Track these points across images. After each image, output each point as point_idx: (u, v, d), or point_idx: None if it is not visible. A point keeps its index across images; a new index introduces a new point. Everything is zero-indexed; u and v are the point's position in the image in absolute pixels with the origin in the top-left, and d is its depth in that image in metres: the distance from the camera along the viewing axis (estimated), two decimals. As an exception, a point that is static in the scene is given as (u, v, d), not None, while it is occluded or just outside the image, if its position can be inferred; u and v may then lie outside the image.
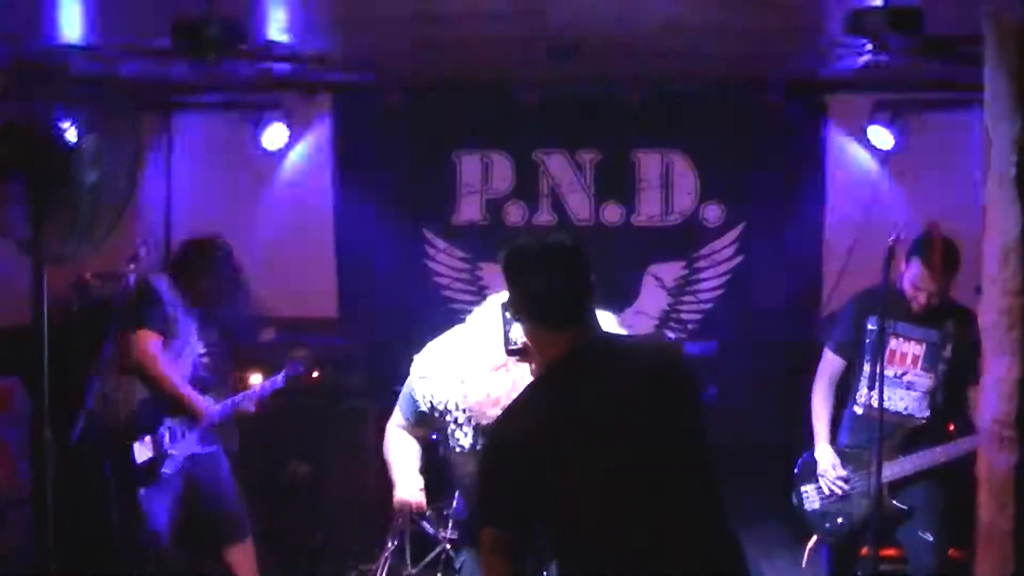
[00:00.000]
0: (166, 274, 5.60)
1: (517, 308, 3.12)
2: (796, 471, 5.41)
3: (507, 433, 2.97)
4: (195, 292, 5.58)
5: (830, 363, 5.41)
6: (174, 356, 5.45)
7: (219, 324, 5.73)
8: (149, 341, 5.36)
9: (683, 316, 7.56)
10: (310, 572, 6.32)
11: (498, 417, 3.14)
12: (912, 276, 5.05)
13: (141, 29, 5.31)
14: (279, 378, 5.78)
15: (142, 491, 5.35)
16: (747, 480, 6.12)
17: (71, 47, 5.43)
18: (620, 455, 2.83)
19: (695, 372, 3.10)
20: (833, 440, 5.33)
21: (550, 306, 3.03)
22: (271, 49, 5.91)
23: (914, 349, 5.17)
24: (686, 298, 7.55)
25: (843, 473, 5.21)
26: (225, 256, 5.74)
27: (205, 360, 5.61)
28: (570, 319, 3.03)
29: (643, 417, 2.90)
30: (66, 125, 3.59)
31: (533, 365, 3.18)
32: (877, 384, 4.77)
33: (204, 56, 4.84)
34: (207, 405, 5.51)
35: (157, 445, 5.41)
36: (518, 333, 3.21)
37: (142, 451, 5.36)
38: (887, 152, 7.24)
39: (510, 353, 3.30)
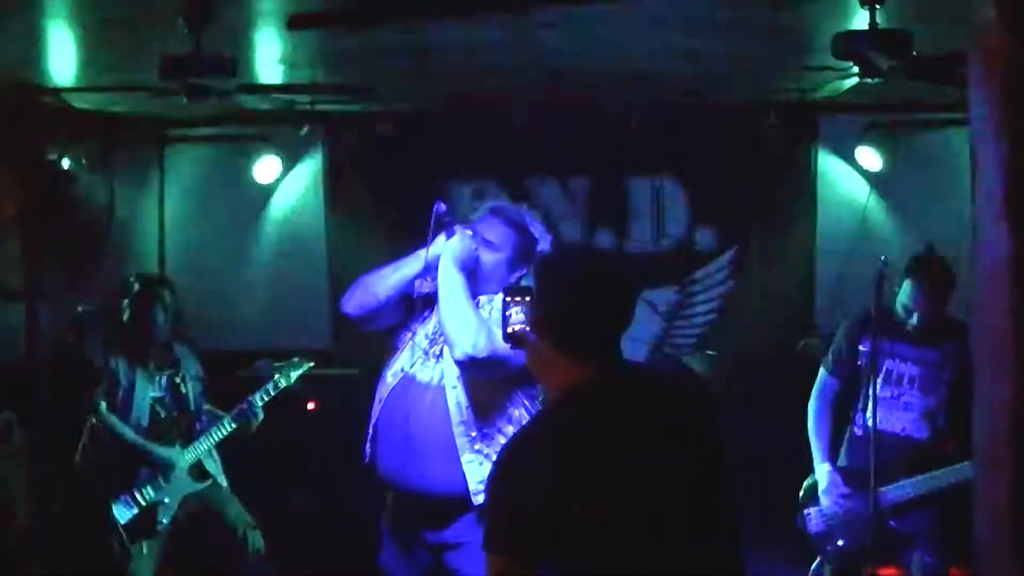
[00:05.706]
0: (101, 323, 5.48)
1: (544, 328, 2.81)
2: (800, 494, 5.39)
3: (521, 462, 2.73)
4: (125, 333, 5.47)
5: (825, 384, 5.39)
6: (123, 410, 5.38)
7: (179, 360, 5.62)
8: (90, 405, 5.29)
9: (676, 341, 7.56)
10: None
11: (510, 442, 2.90)
12: (905, 296, 5.05)
13: (131, 66, 5.32)
14: (226, 419, 5.57)
15: (142, 546, 5.30)
16: (748, 501, 6.14)
17: (65, 87, 5.45)
18: (644, 493, 2.65)
19: (715, 405, 2.93)
20: (836, 461, 5.32)
21: (589, 335, 2.75)
22: (261, 82, 5.92)
23: (911, 370, 5.16)
24: (679, 323, 7.56)
25: (845, 490, 5.20)
26: (142, 290, 5.54)
27: (165, 402, 5.52)
28: (604, 350, 2.79)
29: (668, 455, 2.72)
30: (63, 161, 3.60)
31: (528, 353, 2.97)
32: (870, 406, 4.79)
33: (193, 92, 4.83)
34: (165, 450, 5.40)
35: (140, 500, 5.34)
36: (519, 318, 2.96)
37: (123, 511, 5.28)
38: (877, 173, 7.27)
39: (508, 339, 3.11)
